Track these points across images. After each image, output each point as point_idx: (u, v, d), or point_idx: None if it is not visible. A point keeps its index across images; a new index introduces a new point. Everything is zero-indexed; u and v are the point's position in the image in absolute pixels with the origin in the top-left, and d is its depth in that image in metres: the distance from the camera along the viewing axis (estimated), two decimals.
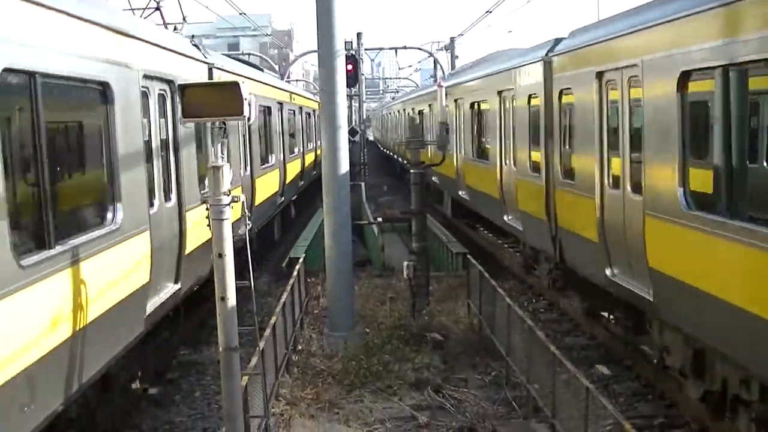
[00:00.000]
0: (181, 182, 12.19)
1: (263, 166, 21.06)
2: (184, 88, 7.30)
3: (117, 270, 9.29)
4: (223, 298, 7.52)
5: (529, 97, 16.52)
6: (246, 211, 7.62)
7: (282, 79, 37.89)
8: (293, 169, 28.18)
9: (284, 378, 12.12)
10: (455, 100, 25.72)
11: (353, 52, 35.22)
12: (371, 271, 20.91)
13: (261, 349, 9.87)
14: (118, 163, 9.46)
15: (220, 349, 7.73)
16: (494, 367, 12.87)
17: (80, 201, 9.16)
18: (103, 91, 9.30)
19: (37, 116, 7.53)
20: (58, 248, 7.74)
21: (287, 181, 25.97)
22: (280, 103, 25.77)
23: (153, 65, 11.20)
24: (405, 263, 15.65)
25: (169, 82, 11.96)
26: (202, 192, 12.88)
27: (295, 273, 14.94)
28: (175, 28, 16.69)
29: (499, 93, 19.23)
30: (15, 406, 6.82)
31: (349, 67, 30.73)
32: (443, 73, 45.48)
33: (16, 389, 6.80)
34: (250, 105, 7.26)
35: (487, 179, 20.67)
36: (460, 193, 25.32)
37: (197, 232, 12.45)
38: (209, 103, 7.26)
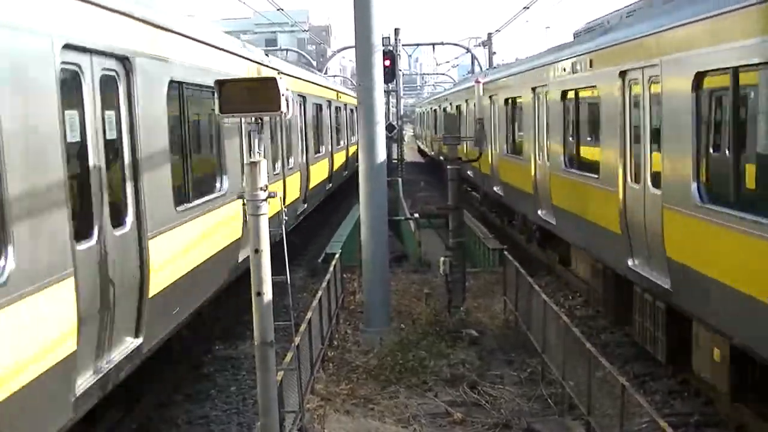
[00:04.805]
0: (141, 199, 9.01)
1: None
2: (221, 84, 7.32)
3: (8, 342, 6.27)
4: (260, 293, 7.54)
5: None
6: (282, 206, 7.65)
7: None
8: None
9: (319, 373, 12.15)
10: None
11: (391, 48, 35.36)
12: (408, 267, 20.88)
13: (296, 344, 9.91)
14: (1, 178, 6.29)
15: (256, 343, 7.76)
16: (530, 363, 12.81)
17: None
18: None
19: None
20: None
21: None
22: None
23: (86, 33, 7.89)
24: (441, 259, 15.61)
25: (123, 59, 8.78)
26: (177, 209, 10.29)
27: (331, 268, 14.97)
28: None
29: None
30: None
31: (387, 62, 30.71)
32: (480, 68, 45.46)
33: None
34: (287, 100, 7.27)
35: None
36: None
37: (170, 266, 9.79)
38: (246, 98, 7.26)
